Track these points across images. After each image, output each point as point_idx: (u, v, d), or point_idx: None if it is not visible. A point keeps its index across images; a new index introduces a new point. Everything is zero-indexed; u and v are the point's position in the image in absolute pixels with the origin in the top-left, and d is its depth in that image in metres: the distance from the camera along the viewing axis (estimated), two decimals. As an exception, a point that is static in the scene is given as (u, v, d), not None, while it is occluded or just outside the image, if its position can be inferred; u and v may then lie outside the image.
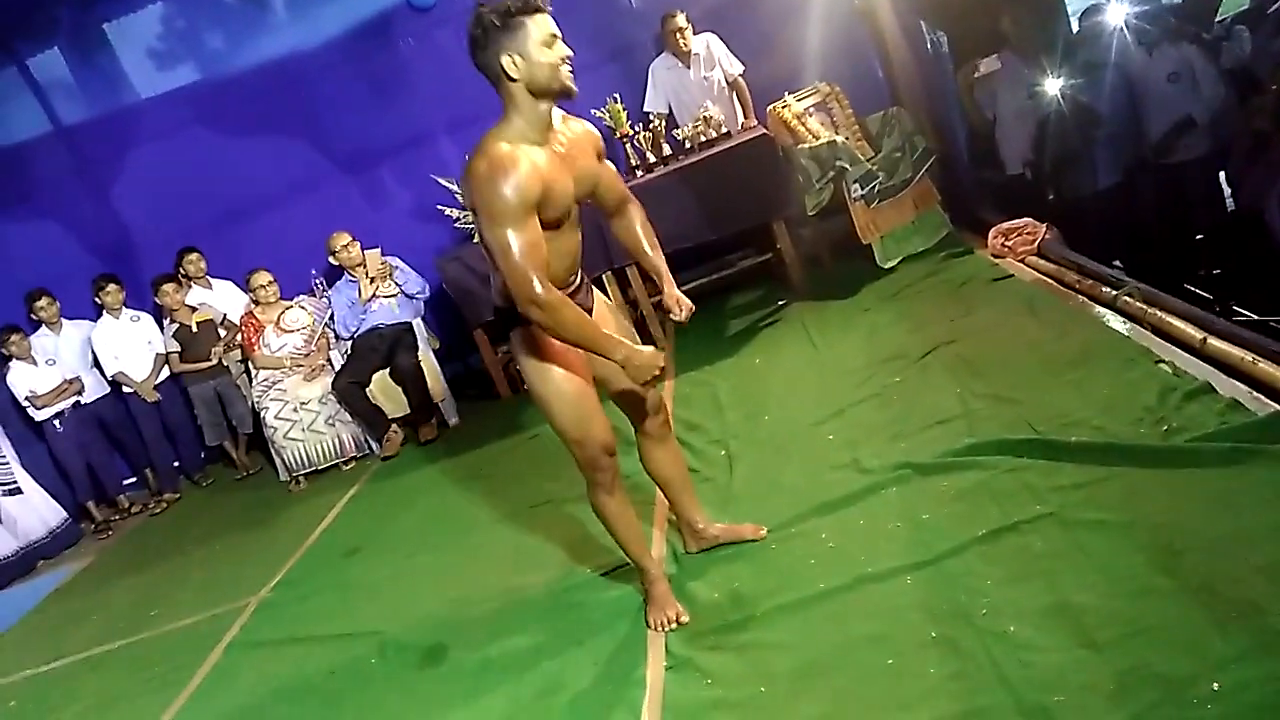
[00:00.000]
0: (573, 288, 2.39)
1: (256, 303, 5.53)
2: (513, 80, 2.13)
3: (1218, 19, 5.06)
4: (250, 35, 6.08)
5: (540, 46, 2.12)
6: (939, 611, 2.17)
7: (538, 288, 2.09)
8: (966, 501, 2.52)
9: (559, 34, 2.15)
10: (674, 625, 2.54)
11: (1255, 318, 3.07)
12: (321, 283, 5.69)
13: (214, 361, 5.61)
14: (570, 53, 2.16)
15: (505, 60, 2.11)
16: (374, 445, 5.23)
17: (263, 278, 5.47)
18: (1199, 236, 4.58)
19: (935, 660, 2.03)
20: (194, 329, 5.61)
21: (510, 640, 2.79)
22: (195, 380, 5.64)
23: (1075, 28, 5.60)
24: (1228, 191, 4.68)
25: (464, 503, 4.07)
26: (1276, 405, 2.38)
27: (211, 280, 5.92)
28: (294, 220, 6.02)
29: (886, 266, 4.68)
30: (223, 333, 5.67)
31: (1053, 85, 4.91)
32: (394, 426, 5.19)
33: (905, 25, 5.38)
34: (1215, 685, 1.71)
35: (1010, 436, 2.71)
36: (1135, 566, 2.06)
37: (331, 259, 5.42)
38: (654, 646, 2.47)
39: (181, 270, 5.82)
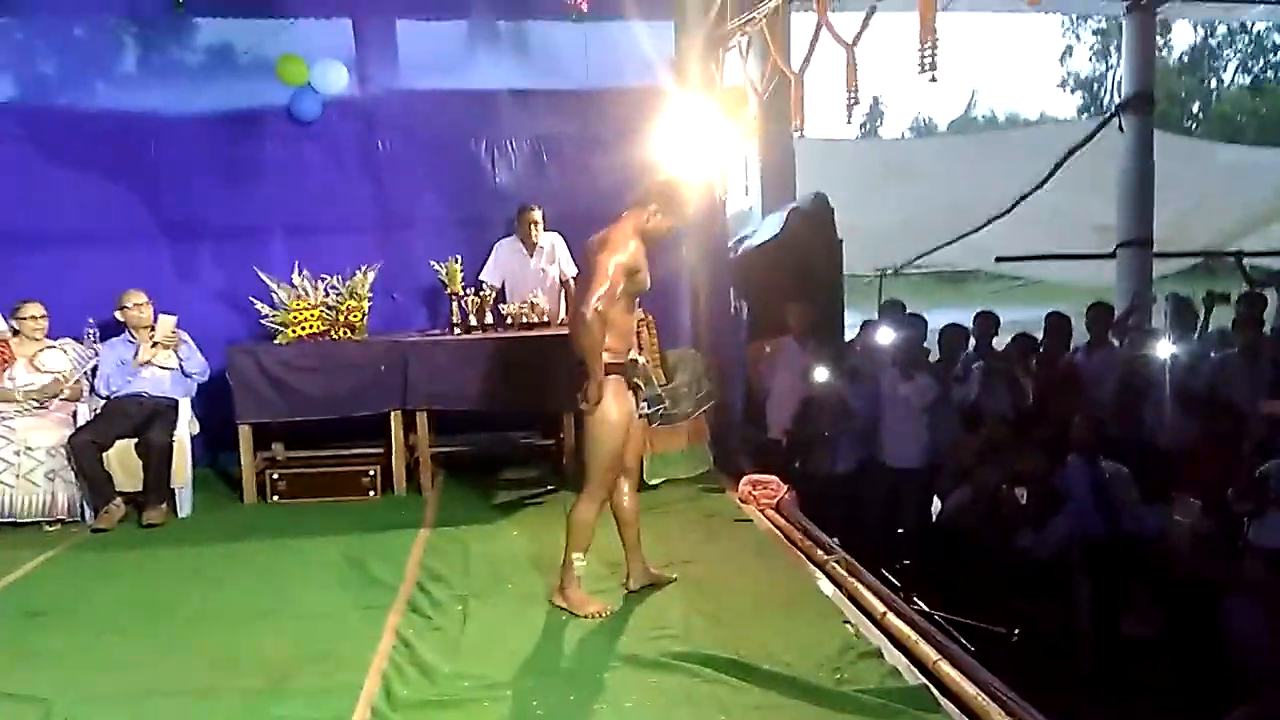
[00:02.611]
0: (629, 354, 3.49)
1: (16, 333, 5.18)
2: (643, 224, 3.41)
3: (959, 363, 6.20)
4: (98, 78, 5.99)
5: (667, 230, 3.50)
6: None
7: (601, 306, 3.19)
8: (666, 698, 2.81)
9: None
10: (604, 616, 3.38)
11: (926, 609, 3.67)
12: (94, 333, 5.43)
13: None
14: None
15: (648, 213, 3.42)
16: (89, 513, 4.86)
17: (34, 309, 5.16)
18: (900, 532, 5.39)
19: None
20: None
21: (192, 742, 2.71)
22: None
23: (850, 336, 6.65)
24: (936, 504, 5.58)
25: (175, 594, 3.87)
26: (924, 679, 2.88)
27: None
28: (87, 265, 5.74)
29: (650, 482, 5.12)
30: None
31: (820, 377, 5.77)
32: (118, 500, 4.88)
33: (717, 287, 6.18)
34: None
35: (716, 653, 3.05)
36: (788, 783, 2.40)
37: (118, 314, 5.22)
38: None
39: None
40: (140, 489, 4.92)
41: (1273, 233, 10.27)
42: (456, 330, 5.59)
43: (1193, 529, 4.15)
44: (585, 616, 3.42)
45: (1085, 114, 33.54)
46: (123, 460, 4.93)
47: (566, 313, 5.84)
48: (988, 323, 6.51)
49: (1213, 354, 6.35)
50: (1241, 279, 8.61)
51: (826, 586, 3.69)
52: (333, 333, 5.31)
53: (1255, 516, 4.34)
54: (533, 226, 5.86)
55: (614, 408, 3.34)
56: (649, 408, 5.14)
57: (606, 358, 3.32)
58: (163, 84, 6.03)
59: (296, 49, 5.88)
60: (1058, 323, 6.46)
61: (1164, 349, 5.96)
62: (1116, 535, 4.64)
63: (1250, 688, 3.69)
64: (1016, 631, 3.67)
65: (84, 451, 4.78)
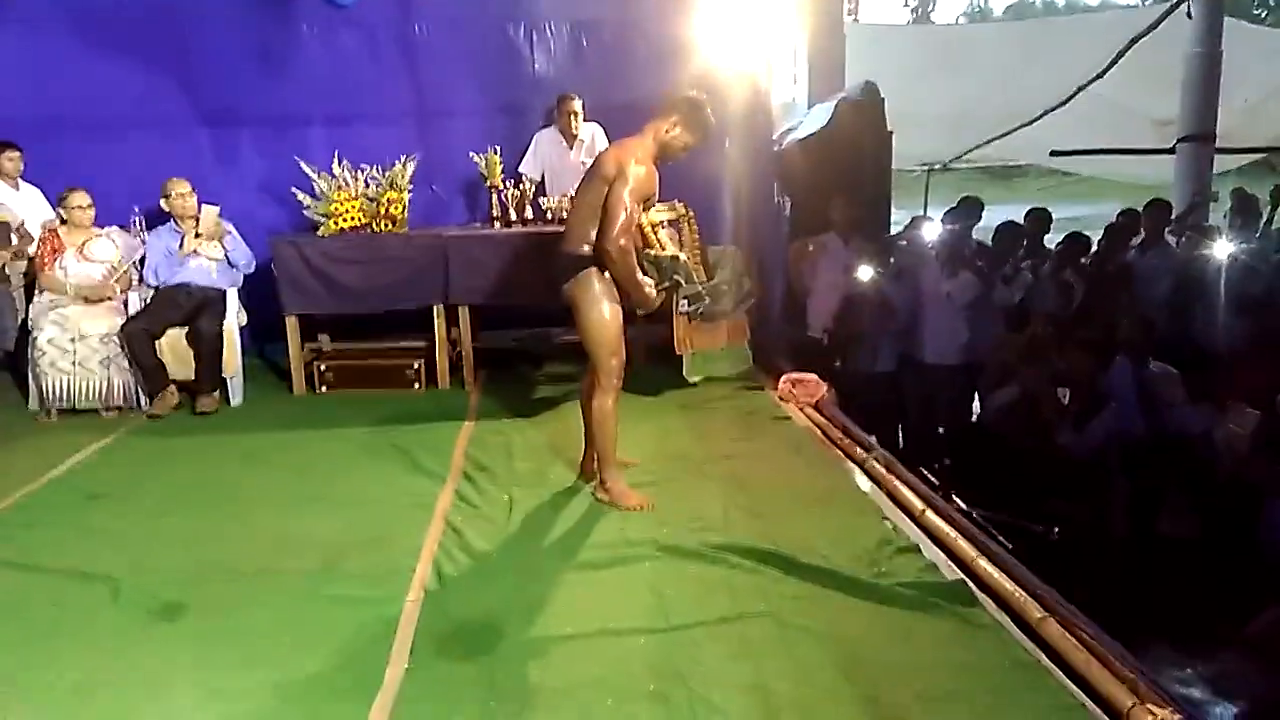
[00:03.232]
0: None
1: (64, 221, 5.24)
2: (662, 135, 3.45)
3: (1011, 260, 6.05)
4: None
5: (684, 147, 3.50)
6: (661, 671, 2.47)
7: (623, 240, 3.32)
8: (706, 588, 2.88)
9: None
10: (645, 508, 3.44)
11: (964, 507, 3.70)
12: (140, 221, 5.45)
13: (-5, 265, 5.22)
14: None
15: (669, 125, 3.44)
16: (144, 400, 5.00)
17: (81, 198, 5.18)
18: (940, 431, 5.39)
19: (646, 709, 2.32)
20: (-16, 226, 5.21)
21: (253, 615, 2.82)
22: (-35, 279, 5.21)
23: (896, 233, 6.51)
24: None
25: (230, 478, 4.02)
26: (962, 574, 2.92)
27: (21, 183, 5.54)
28: (132, 153, 5.76)
29: (690, 380, 5.16)
30: (14, 239, 5.29)
31: (864, 274, 5.68)
32: (171, 387, 5.01)
33: (760, 182, 6.04)
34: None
35: (755, 545, 3.11)
36: (825, 669, 2.47)
37: (163, 203, 5.24)
38: (399, 648, 2.61)
39: (-7, 165, 5.43)
40: (192, 377, 5.04)
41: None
42: (496, 224, 5.56)
43: (1245, 434, 4.06)
44: (627, 509, 3.49)
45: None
46: (174, 349, 5.04)
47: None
48: (1039, 221, 6.34)
49: (1276, 253, 6.14)
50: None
51: (865, 483, 3.72)
52: (374, 225, 5.30)
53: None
54: (572, 117, 5.74)
55: (606, 303, 3.46)
56: (688, 305, 5.17)
57: (589, 251, 3.44)
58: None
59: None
60: (1123, 222, 6.24)
61: (1223, 248, 5.77)
62: (1158, 435, 4.60)
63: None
64: (1056, 530, 3.69)
65: (136, 339, 4.89)
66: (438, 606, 2.83)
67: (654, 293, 3.63)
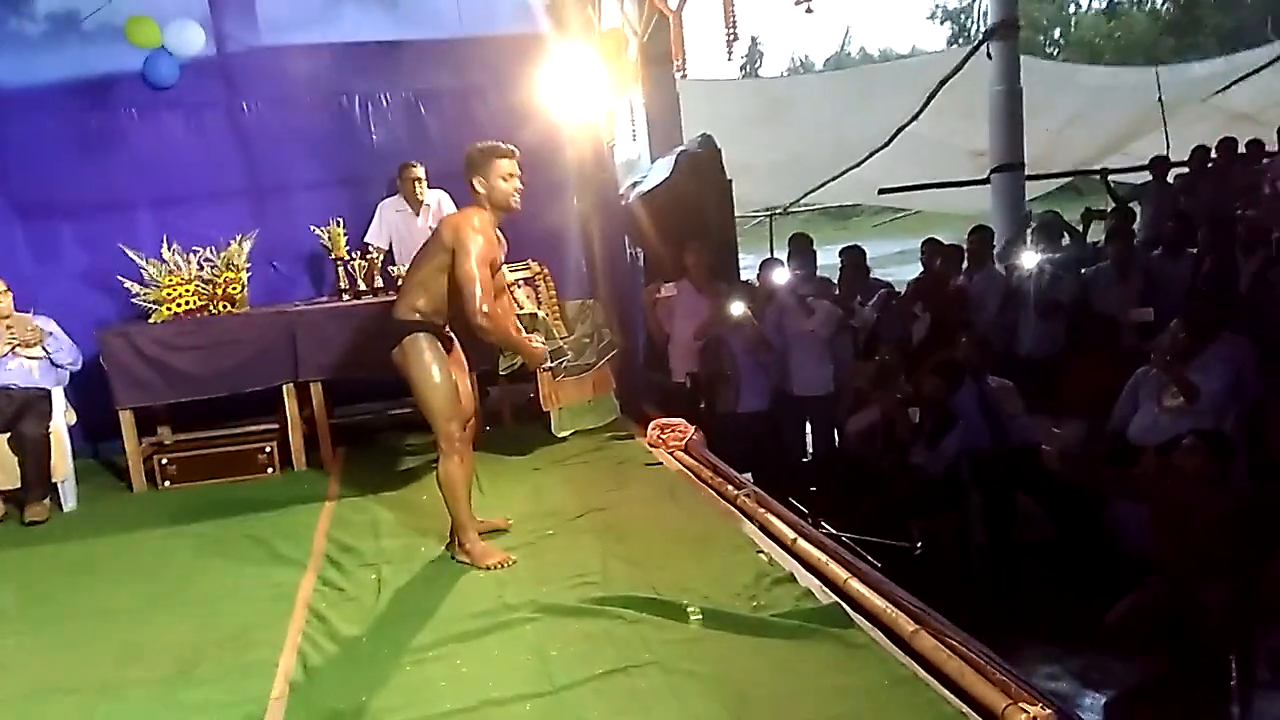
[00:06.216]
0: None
1: None
2: (482, 195, 3.35)
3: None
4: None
5: (508, 191, 3.36)
6: (549, 735, 2.40)
7: (485, 306, 3.22)
8: (590, 643, 2.82)
9: (517, 173, 3.37)
10: (507, 565, 3.41)
11: (834, 532, 3.79)
12: (-54, 327, 5.03)
13: None
14: (520, 187, 3.39)
15: (478, 184, 3.34)
16: (-37, 517, 4.57)
17: (-122, 305, 4.76)
18: (805, 460, 5.53)
19: (538, 777, 2.25)
20: None
21: (99, 736, 2.59)
22: None
23: (753, 275, 6.71)
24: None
25: (67, 591, 3.68)
26: (836, 598, 2.98)
27: None
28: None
29: (559, 435, 5.12)
30: None
31: (728, 317, 5.81)
32: (-4, 499, 4.60)
33: (611, 235, 6.15)
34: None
35: (635, 594, 3.08)
36: (714, 710, 2.44)
37: (-29, 305, 4.86)
38: (264, 750, 2.44)
39: None
40: (19, 486, 4.64)
41: (1134, 150, 10.81)
42: (345, 296, 5.41)
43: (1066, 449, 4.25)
44: (487, 568, 3.43)
45: (954, 44, 34.58)
46: (-3, 457, 4.64)
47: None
48: (856, 255, 6.65)
49: (1083, 270, 6.65)
50: (1107, 195, 9.04)
51: (738, 520, 3.76)
52: (211, 307, 5.07)
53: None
54: (416, 184, 5.69)
55: (433, 365, 3.39)
56: (550, 361, 5.16)
57: (418, 318, 3.41)
58: (3, 55, 5.57)
59: (145, 9, 5.48)
60: (949, 250, 6.62)
61: (1031, 259, 6.24)
62: (1003, 447, 4.86)
63: (1136, 578, 3.95)
64: (919, 546, 3.82)
65: (-50, 452, 4.47)
66: (305, 700, 2.66)
67: (540, 347, 3.64)
